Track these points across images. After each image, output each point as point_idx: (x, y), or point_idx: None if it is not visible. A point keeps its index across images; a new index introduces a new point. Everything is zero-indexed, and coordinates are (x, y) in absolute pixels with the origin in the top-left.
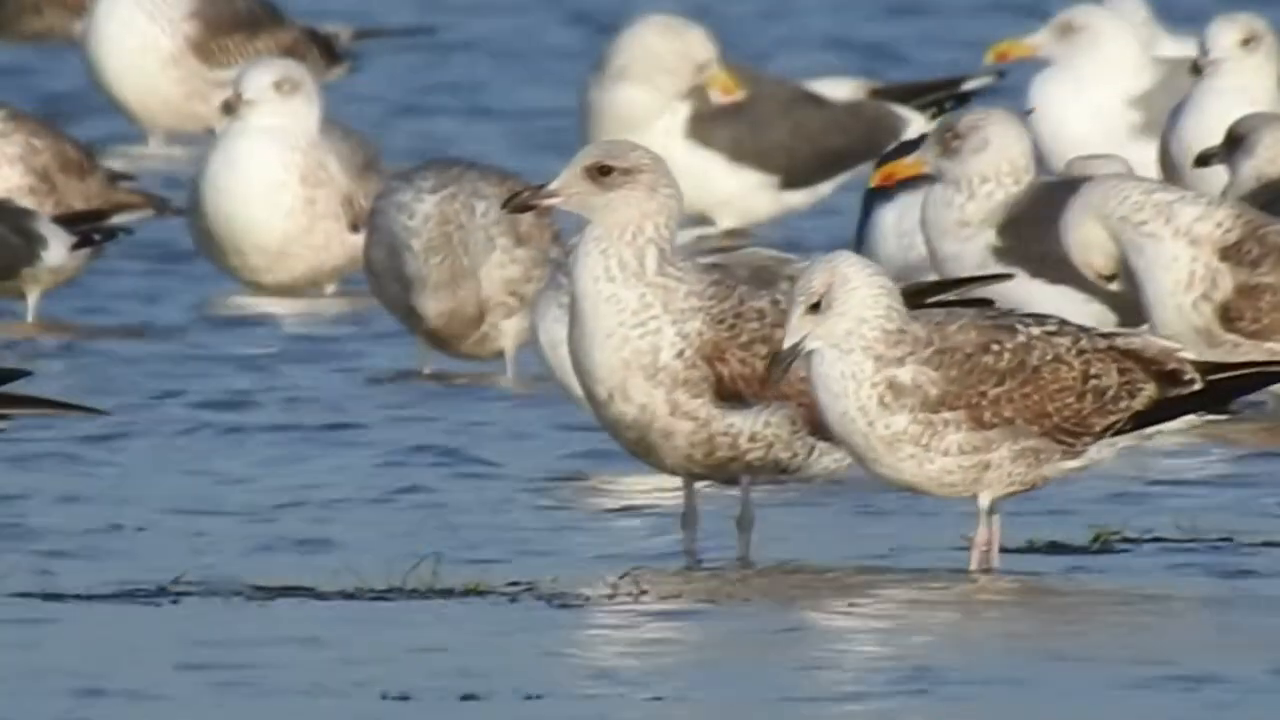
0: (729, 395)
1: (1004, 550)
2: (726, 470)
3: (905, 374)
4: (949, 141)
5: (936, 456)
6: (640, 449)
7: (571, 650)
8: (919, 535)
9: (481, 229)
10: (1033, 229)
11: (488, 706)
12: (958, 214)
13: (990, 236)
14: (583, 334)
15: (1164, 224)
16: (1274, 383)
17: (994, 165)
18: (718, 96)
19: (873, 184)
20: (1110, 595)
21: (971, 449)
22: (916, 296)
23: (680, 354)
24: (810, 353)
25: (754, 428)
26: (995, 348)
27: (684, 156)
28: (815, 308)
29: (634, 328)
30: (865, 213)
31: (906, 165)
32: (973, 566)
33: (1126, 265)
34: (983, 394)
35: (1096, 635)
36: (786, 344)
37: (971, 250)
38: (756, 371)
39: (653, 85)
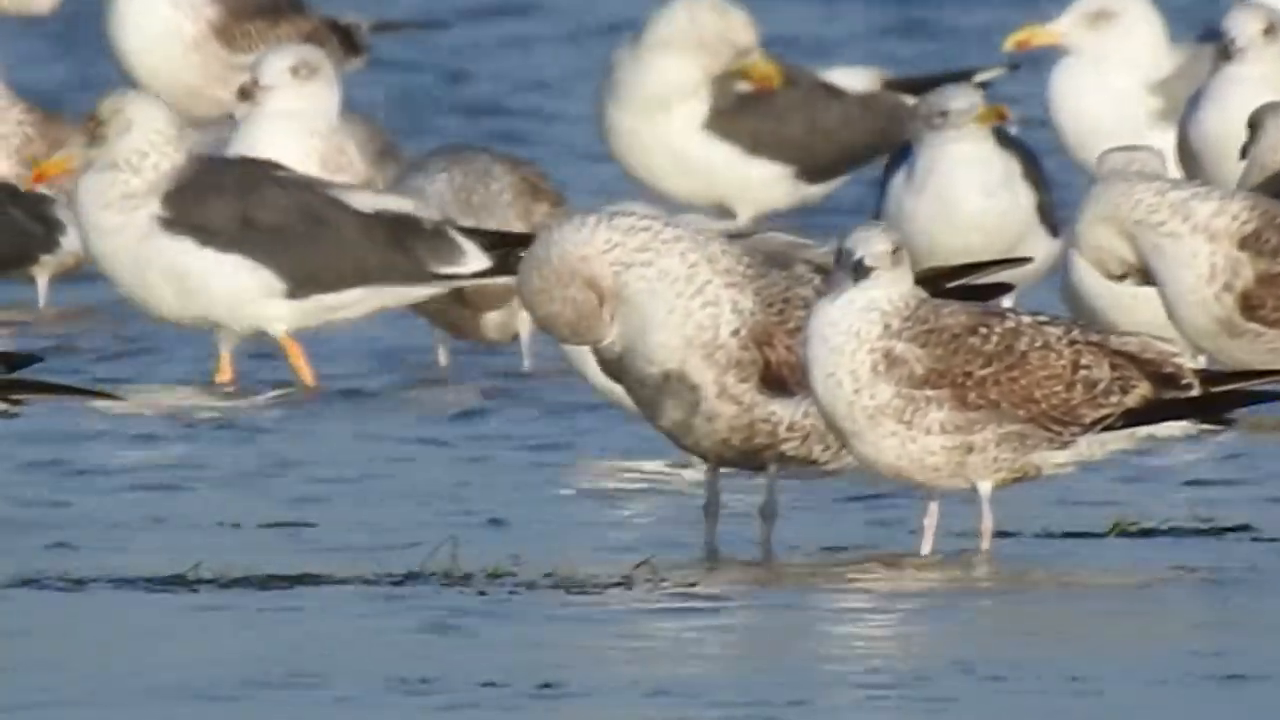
0: (773, 382)
1: (1021, 536)
2: (759, 458)
3: (899, 347)
4: (94, 130)
5: (919, 435)
6: (678, 430)
7: (589, 638)
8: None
9: (497, 203)
10: (195, 199)
11: (505, 693)
12: (122, 188)
13: (155, 207)
14: (642, 319)
15: (1182, 222)
16: (1273, 399)
17: (144, 142)
18: (751, 85)
19: None
20: (1127, 584)
21: (954, 429)
22: (932, 282)
23: (736, 332)
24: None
25: (794, 417)
26: (983, 330)
27: (701, 149)
28: (894, 253)
29: (692, 298)
30: (884, 184)
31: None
32: (983, 555)
33: (1146, 264)
34: (968, 374)
35: (1113, 623)
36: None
37: (137, 221)
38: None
39: (691, 61)
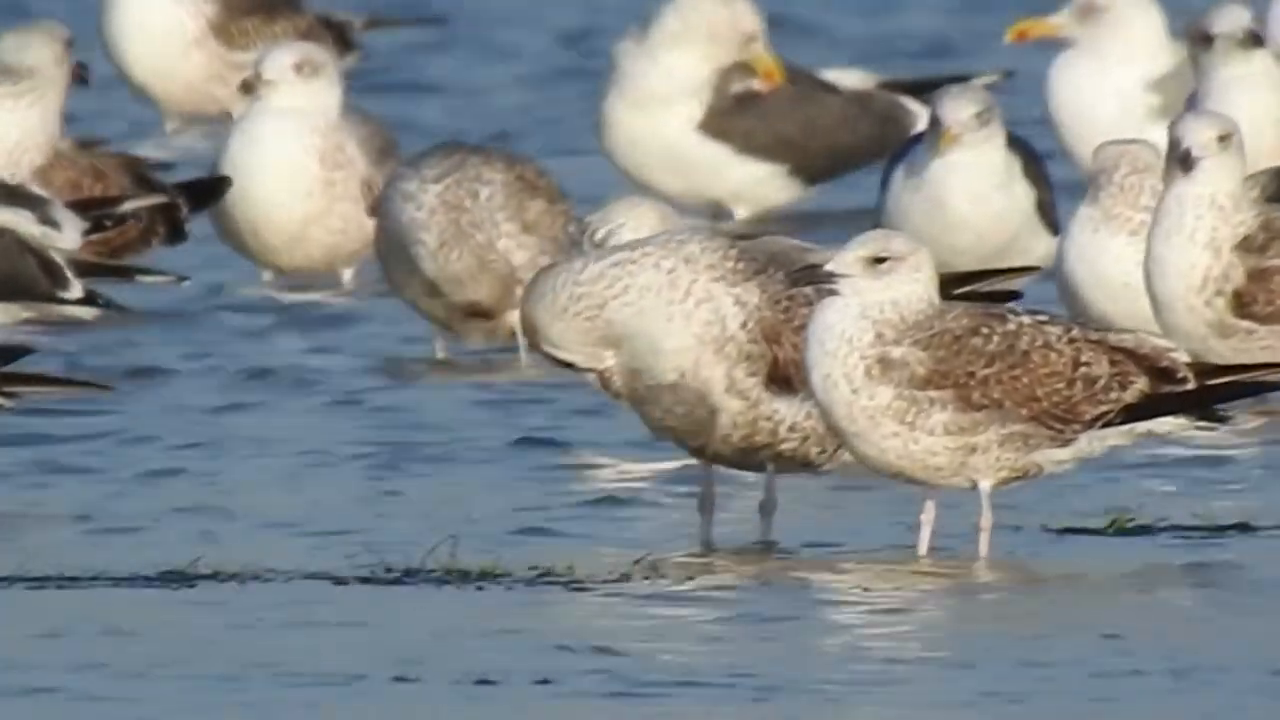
0: (779, 380)
1: (1019, 533)
2: (756, 457)
3: (897, 352)
4: None
5: (922, 436)
6: (681, 426)
7: (587, 635)
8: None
9: (486, 214)
10: None
11: (501, 691)
12: None
13: None
14: (649, 339)
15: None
16: (1267, 391)
17: None
18: (757, 82)
19: None
20: (1124, 581)
21: (958, 429)
22: (945, 286)
23: (744, 325)
24: (825, 297)
25: (795, 417)
26: (985, 331)
27: (694, 147)
28: (877, 263)
29: (683, 301)
30: (885, 179)
31: None
32: (982, 551)
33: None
34: (971, 374)
35: (1109, 620)
36: (830, 267)
37: None
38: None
39: (699, 55)
